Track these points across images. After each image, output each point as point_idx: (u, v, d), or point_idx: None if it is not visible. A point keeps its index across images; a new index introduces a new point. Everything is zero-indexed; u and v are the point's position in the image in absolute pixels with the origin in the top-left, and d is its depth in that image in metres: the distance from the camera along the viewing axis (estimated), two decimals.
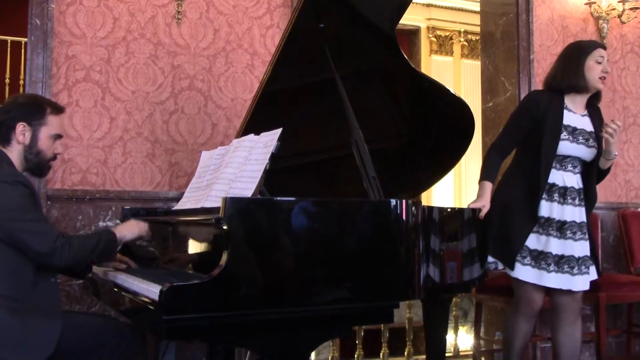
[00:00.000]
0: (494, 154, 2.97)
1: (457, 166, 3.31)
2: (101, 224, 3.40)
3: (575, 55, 2.90)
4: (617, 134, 2.81)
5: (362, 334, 4.37)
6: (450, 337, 4.47)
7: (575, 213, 2.87)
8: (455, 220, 2.68)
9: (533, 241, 2.84)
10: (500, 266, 2.90)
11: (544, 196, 2.86)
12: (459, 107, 3.00)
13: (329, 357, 4.24)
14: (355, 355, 4.33)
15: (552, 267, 2.81)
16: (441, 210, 2.64)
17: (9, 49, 6.66)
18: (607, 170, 3.00)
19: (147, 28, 3.56)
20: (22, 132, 2.30)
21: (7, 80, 6.50)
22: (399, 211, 2.17)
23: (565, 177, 2.88)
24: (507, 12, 4.42)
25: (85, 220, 3.38)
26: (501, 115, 4.44)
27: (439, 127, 3.07)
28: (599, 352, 3.84)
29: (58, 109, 2.40)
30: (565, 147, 2.86)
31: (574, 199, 2.89)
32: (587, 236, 2.89)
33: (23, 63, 6.07)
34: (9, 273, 2.14)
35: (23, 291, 2.16)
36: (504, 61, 4.45)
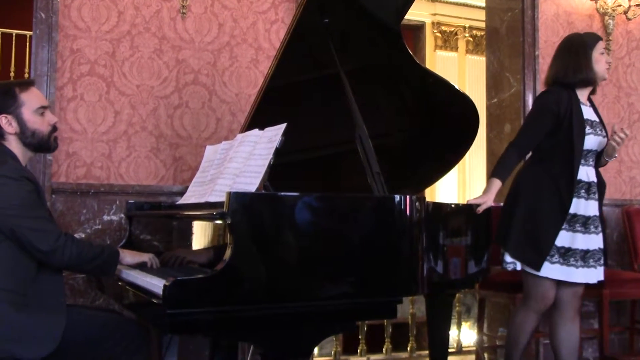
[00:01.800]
0: (513, 154, 2.91)
1: (461, 162, 3.30)
2: (105, 217, 3.41)
3: (582, 50, 2.91)
4: (623, 143, 2.86)
5: (365, 329, 4.38)
6: (453, 332, 4.47)
7: (595, 207, 2.89)
8: (458, 216, 2.68)
9: (561, 238, 2.81)
10: (519, 266, 2.86)
11: None
12: (464, 103, 2.99)
13: (332, 352, 4.25)
14: (358, 350, 4.34)
15: (579, 263, 2.81)
16: (445, 206, 2.64)
17: (13, 42, 6.66)
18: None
19: (151, 22, 3.55)
20: (7, 123, 2.26)
21: (12, 74, 6.50)
22: (402, 207, 2.17)
23: (589, 172, 2.89)
24: (512, 7, 4.41)
25: (90, 214, 3.39)
26: (506, 111, 4.43)
27: (443, 123, 3.07)
28: (601, 348, 3.84)
29: (26, 84, 2.33)
30: (590, 140, 2.87)
31: (594, 193, 2.90)
32: (600, 228, 2.90)
33: (28, 56, 6.06)
34: (13, 268, 2.14)
35: (27, 285, 2.16)
36: (509, 57, 4.43)
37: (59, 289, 2.26)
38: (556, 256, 2.81)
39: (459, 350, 4.66)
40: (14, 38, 6.68)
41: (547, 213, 2.82)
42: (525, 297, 2.97)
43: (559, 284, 2.87)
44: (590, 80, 2.92)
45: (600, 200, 2.94)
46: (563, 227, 2.81)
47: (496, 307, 4.42)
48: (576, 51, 2.92)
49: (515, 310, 3.08)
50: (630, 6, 4.57)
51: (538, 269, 2.81)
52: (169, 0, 3.59)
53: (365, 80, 2.84)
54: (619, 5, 4.54)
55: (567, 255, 2.81)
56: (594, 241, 2.86)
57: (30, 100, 2.29)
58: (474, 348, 4.32)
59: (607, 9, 4.53)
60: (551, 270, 2.81)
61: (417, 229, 2.21)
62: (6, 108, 2.26)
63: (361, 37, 2.82)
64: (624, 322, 4.44)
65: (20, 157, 2.29)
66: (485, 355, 4.15)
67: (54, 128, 2.35)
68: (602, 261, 2.88)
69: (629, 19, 4.63)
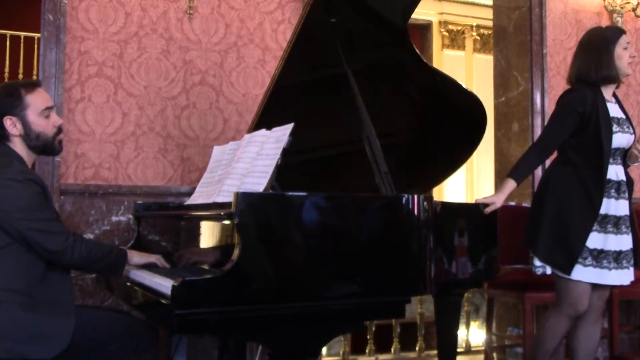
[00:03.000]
0: (534, 156, 2.85)
1: (468, 161, 3.29)
2: (114, 218, 3.42)
3: (604, 46, 2.81)
4: None
5: (374, 328, 4.38)
6: (461, 332, 4.47)
7: (626, 207, 2.81)
8: (466, 215, 2.67)
9: (593, 240, 2.72)
10: (549, 270, 2.78)
11: None
12: (471, 102, 2.98)
13: (340, 352, 4.25)
14: (367, 350, 4.34)
15: (612, 265, 2.73)
16: (453, 205, 2.64)
17: (22, 44, 6.70)
18: None
19: (159, 23, 3.56)
20: (12, 125, 2.24)
21: (20, 76, 6.53)
22: (410, 206, 2.17)
23: (618, 171, 2.81)
24: (519, 6, 4.39)
25: (98, 215, 3.40)
26: (513, 110, 4.41)
27: (450, 122, 3.06)
28: (611, 348, 3.82)
29: (32, 85, 2.30)
30: (618, 139, 2.78)
31: (624, 192, 2.81)
32: (630, 228, 2.82)
33: (36, 58, 6.10)
34: (21, 269, 2.15)
35: (36, 286, 2.17)
36: (516, 55, 4.42)
37: (68, 289, 2.27)
38: (589, 258, 2.72)
39: (468, 350, 4.65)
40: (22, 40, 6.72)
41: (576, 214, 2.73)
42: (558, 302, 2.84)
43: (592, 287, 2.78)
44: (613, 78, 2.82)
45: (630, 198, 2.85)
46: (595, 228, 2.72)
47: (505, 307, 4.41)
48: (598, 48, 2.82)
49: (547, 315, 2.94)
50: (639, 3, 4.54)
51: (569, 272, 2.71)
52: (175, 1, 3.60)
53: (373, 80, 2.83)
54: (628, 3, 4.52)
55: (600, 257, 2.72)
56: (626, 241, 2.78)
57: (36, 101, 2.27)
58: (483, 348, 4.31)
59: (616, 6, 4.51)
60: (584, 273, 2.71)
61: (425, 228, 2.20)
62: (11, 109, 2.24)
63: (368, 37, 2.82)
64: (634, 321, 4.42)
65: (25, 159, 2.28)
66: (494, 355, 4.14)
67: (59, 130, 2.34)
68: (633, 261, 2.80)
69: (637, 16, 4.60)
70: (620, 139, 2.80)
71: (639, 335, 4.39)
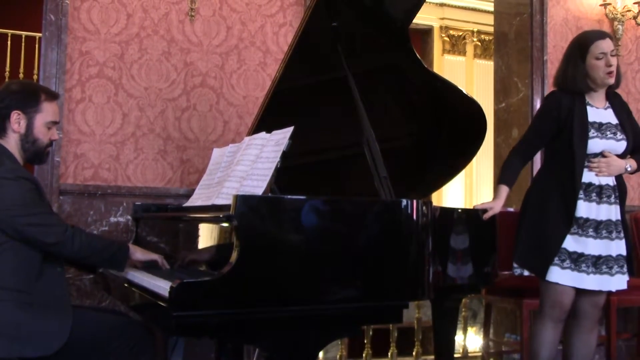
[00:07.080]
0: (515, 159, 2.90)
1: (468, 166, 3.29)
2: (112, 219, 3.41)
3: (572, 57, 2.81)
4: (607, 166, 2.76)
5: (371, 333, 4.37)
6: (459, 338, 4.46)
7: (611, 211, 2.78)
8: (465, 221, 2.67)
9: (572, 243, 2.73)
10: (526, 272, 2.82)
11: (581, 196, 2.74)
12: (471, 108, 2.98)
13: (337, 356, 4.24)
14: (364, 355, 4.33)
15: (590, 269, 2.73)
16: (451, 210, 2.63)
17: (23, 44, 6.70)
18: None
19: (160, 25, 3.57)
20: (17, 121, 2.25)
21: (21, 75, 6.52)
22: (409, 211, 2.17)
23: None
24: (521, 12, 4.40)
25: (97, 216, 3.40)
26: (514, 116, 4.42)
27: (450, 127, 3.06)
28: (609, 355, 3.81)
29: (53, 95, 2.35)
30: (596, 144, 2.76)
31: (609, 197, 2.78)
32: (622, 234, 2.80)
33: (37, 58, 6.10)
34: (17, 267, 2.15)
35: (32, 284, 2.17)
36: (517, 62, 4.43)
37: (64, 289, 2.27)
38: (567, 261, 2.73)
39: (465, 356, 4.64)
40: (23, 40, 6.72)
41: (552, 219, 2.76)
42: (540, 304, 2.87)
43: (578, 292, 2.79)
44: (580, 89, 2.80)
45: (622, 204, 2.83)
46: (575, 231, 2.73)
47: (502, 313, 4.41)
48: (567, 57, 2.85)
49: (534, 323, 2.95)
50: None
51: (542, 276, 2.75)
52: (177, 3, 3.60)
53: (373, 84, 2.83)
54: (629, 11, 4.53)
55: (580, 261, 2.73)
56: (608, 247, 2.75)
57: (48, 111, 2.31)
58: (480, 353, 4.31)
59: (617, 14, 4.51)
60: (562, 275, 2.73)
61: (423, 233, 2.20)
62: (24, 107, 2.27)
63: (369, 41, 2.82)
64: (632, 329, 4.42)
65: (17, 158, 2.29)
66: None
67: (51, 143, 2.37)
68: (625, 269, 2.78)
69: (638, 24, 4.61)
70: (600, 145, 2.78)
71: (636, 343, 4.38)
